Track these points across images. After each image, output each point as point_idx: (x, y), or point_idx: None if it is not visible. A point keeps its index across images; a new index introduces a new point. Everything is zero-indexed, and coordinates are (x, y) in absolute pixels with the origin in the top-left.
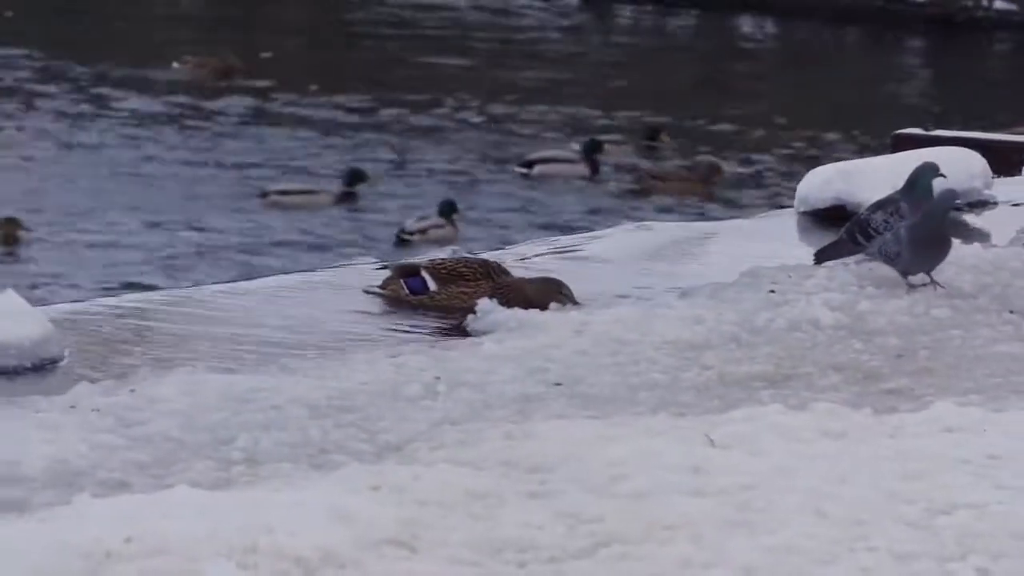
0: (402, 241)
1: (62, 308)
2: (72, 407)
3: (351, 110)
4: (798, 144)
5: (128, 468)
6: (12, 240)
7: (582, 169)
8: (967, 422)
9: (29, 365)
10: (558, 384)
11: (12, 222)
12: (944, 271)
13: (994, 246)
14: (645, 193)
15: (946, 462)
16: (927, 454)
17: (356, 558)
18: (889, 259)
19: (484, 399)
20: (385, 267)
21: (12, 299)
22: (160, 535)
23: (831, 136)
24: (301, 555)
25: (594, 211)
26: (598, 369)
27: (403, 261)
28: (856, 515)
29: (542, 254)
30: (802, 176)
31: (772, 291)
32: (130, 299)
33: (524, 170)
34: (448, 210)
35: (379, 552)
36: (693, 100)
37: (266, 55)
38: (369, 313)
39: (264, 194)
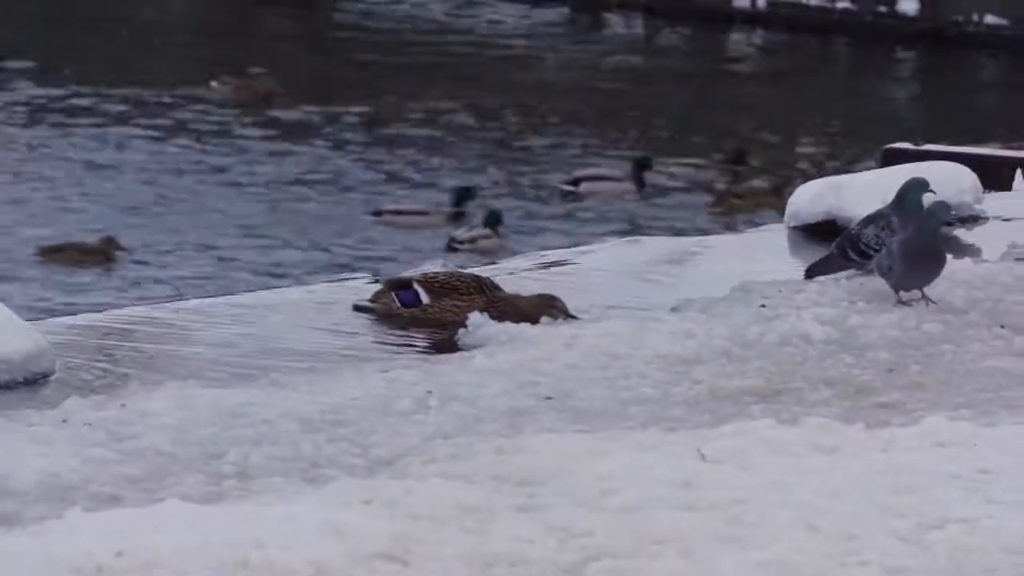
0: (452, 249)
1: (54, 322)
2: (64, 421)
3: (399, 124)
4: (788, 159)
5: (119, 482)
6: (110, 258)
7: (628, 187)
8: (958, 437)
9: (21, 379)
10: (549, 398)
11: (110, 241)
12: (936, 286)
13: (985, 261)
14: (724, 210)
15: (938, 477)
16: (919, 469)
17: (348, 572)
18: (883, 273)
19: (475, 413)
20: (376, 281)
21: (3, 312)
22: (151, 549)
23: (821, 150)
24: (293, 569)
25: (636, 225)
26: (589, 383)
27: (394, 275)
28: (848, 530)
29: (531, 268)
30: (793, 191)
31: (763, 306)
32: (121, 313)
33: (570, 188)
34: (494, 221)
35: (371, 566)
36: (683, 114)
37: (257, 70)
38: (360, 327)
39: (377, 212)
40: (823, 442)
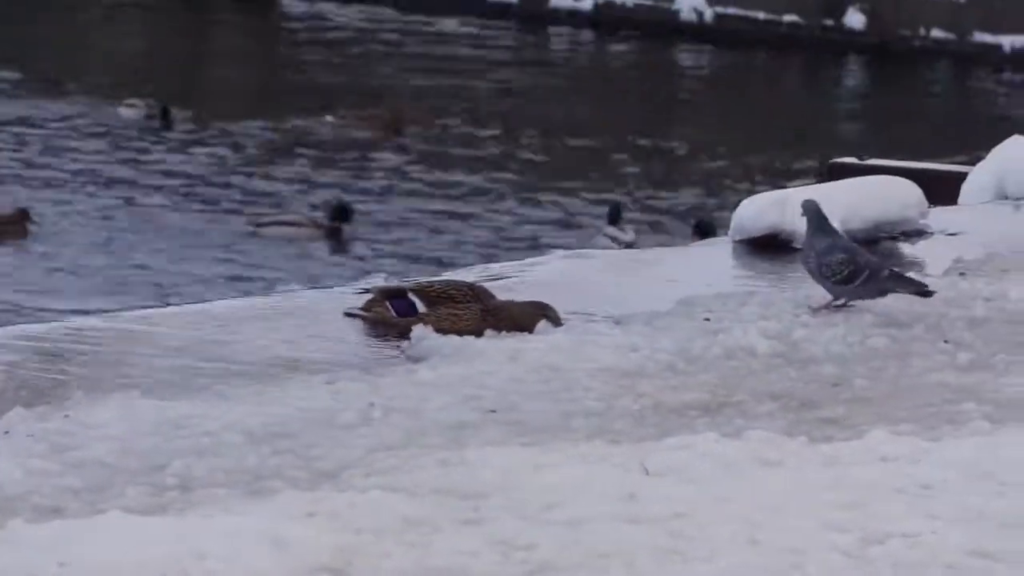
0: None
1: None
2: (6, 432)
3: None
4: (734, 172)
5: (62, 494)
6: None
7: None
8: (902, 451)
9: None
10: (492, 411)
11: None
12: (881, 300)
13: (929, 275)
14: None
15: (881, 491)
16: (862, 483)
17: None
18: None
19: (419, 426)
20: (366, 291)
21: None
22: (93, 561)
23: (766, 164)
24: None
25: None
26: (533, 396)
27: (385, 284)
28: (790, 543)
29: (478, 282)
30: (737, 204)
31: (707, 319)
32: (66, 323)
33: (253, 228)
34: (616, 215)
35: None
36: (629, 128)
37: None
38: (305, 339)
39: (255, 223)
40: (767, 456)
